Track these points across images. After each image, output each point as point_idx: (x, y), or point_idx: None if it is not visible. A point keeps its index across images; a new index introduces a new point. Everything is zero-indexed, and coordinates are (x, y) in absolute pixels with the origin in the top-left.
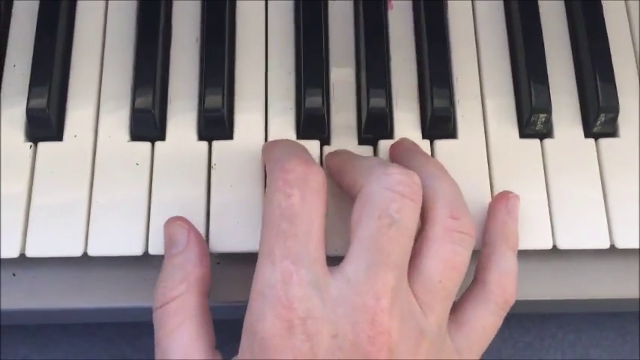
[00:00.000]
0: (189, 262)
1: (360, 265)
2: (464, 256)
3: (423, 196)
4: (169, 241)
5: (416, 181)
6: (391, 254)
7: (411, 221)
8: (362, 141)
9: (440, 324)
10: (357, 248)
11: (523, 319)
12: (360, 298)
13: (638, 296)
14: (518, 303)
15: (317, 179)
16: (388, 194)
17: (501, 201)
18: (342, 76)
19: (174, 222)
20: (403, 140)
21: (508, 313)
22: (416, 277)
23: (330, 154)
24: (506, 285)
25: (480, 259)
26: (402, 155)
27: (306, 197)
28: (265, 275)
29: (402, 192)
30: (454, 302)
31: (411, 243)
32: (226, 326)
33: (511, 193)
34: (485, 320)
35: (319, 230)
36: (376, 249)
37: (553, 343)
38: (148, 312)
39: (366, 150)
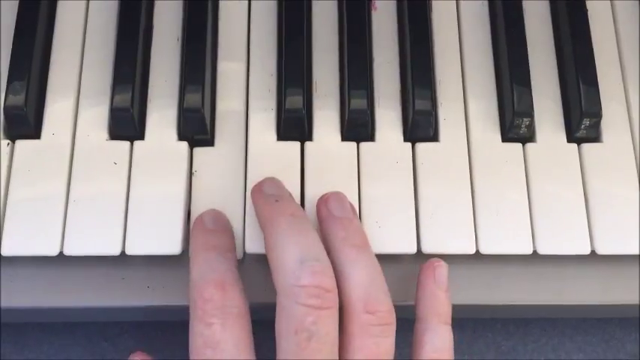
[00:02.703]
0: None
1: None
2: (387, 344)
3: (338, 285)
4: None
5: (328, 288)
6: None
7: (329, 328)
8: (345, 138)
9: None
10: None
11: (507, 323)
12: None
13: (620, 302)
14: (499, 308)
15: (236, 304)
16: (301, 309)
17: (428, 272)
18: (326, 74)
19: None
20: (329, 199)
21: (492, 318)
22: None
23: (255, 192)
24: None
25: (414, 335)
26: (324, 224)
27: (227, 324)
28: None
29: (314, 305)
30: None
31: (336, 347)
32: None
33: (437, 261)
34: None
35: (246, 350)
36: None
37: (536, 347)
38: (127, 311)
39: (349, 147)
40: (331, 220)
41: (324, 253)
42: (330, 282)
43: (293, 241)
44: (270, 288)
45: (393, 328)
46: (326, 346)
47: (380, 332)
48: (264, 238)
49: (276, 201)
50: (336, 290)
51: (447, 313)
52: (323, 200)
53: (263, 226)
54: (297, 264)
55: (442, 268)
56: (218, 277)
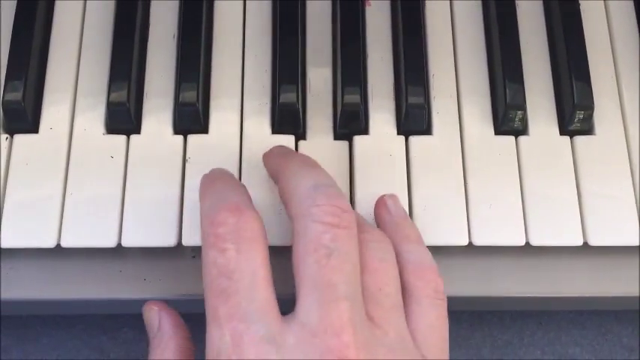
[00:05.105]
0: (163, 339)
1: (311, 305)
2: (388, 261)
3: None
4: (147, 327)
5: (345, 209)
6: (338, 284)
7: (349, 247)
8: (337, 136)
9: (401, 334)
10: (303, 288)
11: (503, 316)
12: (319, 339)
13: (615, 294)
14: (493, 300)
15: (251, 227)
16: (319, 227)
17: (381, 207)
18: (319, 72)
19: (147, 307)
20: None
21: (488, 311)
22: None
23: (266, 155)
24: (424, 274)
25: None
26: None
27: (242, 249)
28: (215, 340)
29: (332, 222)
30: None
31: (357, 268)
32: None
33: (385, 195)
34: (427, 318)
35: (264, 279)
36: (322, 284)
37: (533, 341)
38: (125, 304)
39: (342, 146)
40: None
41: (337, 185)
42: (346, 204)
43: (306, 174)
44: (278, 278)
45: (389, 247)
46: (347, 265)
47: (377, 248)
48: (278, 182)
49: (286, 153)
50: (353, 213)
51: (415, 234)
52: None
53: (275, 173)
54: (311, 190)
55: (392, 198)
56: (231, 202)
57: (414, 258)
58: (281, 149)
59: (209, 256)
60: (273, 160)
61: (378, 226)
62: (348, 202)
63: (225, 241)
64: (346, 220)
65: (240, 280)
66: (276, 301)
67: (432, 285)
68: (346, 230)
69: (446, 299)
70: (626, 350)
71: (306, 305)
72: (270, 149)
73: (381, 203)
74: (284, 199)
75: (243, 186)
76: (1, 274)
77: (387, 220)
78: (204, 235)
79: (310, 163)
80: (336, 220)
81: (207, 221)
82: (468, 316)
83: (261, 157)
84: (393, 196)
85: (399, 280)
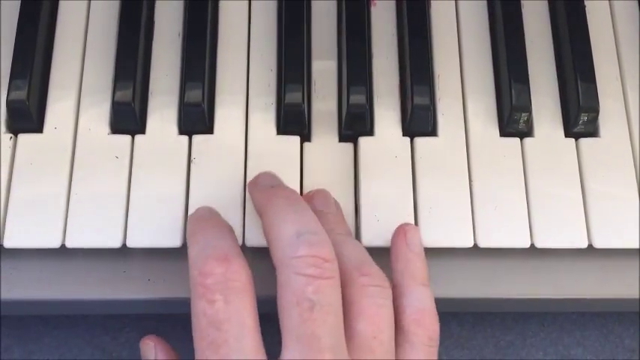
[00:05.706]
0: None
1: (295, 357)
2: (387, 307)
3: None
4: (143, 359)
5: (327, 258)
6: (321, 337)
7: (331, 298)
8: (342, 138)
9: None
10: (287, 338)
11: (505, 317)
12: None
13: (618, 296)
14: (497, 301)
15: (239, 277)
16: (301, 279)
17: (400, 236)
18: (324, 72)
19: (144, 342)
20: (314, 195)
21: (491, 312)
22: (352, 345)
23: (251, 185)
24: (424, 321)
25: (393, 302)
26: None
27: (231, 300)
28: None
29: (313, 274)
30: None
31: (340, 318)
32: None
33: (408, 225)
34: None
35: (252, 328)
36: (305, 336)
37: (535, 342)
38: (128, 304)
39: (347, 148)
40: (317, 215)
41: (322, 228)
42: (328, 252)
43: (290, 218)
44: (273, 282)
45: (389, 292)
46: (329, 316)
47: (377, 293)
48: (262, 220)
49: (272, 187)
50: (336, 261)
51: (422, 274)
52: (308, 197)
53: (260, 209)
54: (293, 237)
55: (413, 231)
56: (218, 251)
57: (416, 304)
58: (267, 179)
59: (198, 307)
60: (258, 194)
61: (392, 252)
62: (331, 249)
63: (214, 292)
64: (328, 270)
65: (229, 331)
66: (262, 347)
67: (428, 333)
68: (328, 280)
69: (438, 344)
70: (628, 351)
71: (291, 356)
72: (255, 178)
73: (400, 231)
74: (268, 242)
75: (231, 228)
76: (3, 274)
77: (401, 252)
78: (192, 284)
79: (295, 203)
80: (318, 271)
81: (195, 270)
82: (470, 318)
83: (248, 185)
84: (415, 229)
85: (393, 325)
